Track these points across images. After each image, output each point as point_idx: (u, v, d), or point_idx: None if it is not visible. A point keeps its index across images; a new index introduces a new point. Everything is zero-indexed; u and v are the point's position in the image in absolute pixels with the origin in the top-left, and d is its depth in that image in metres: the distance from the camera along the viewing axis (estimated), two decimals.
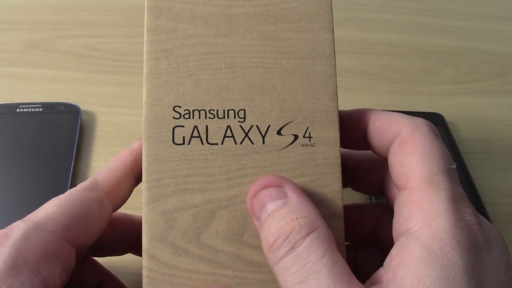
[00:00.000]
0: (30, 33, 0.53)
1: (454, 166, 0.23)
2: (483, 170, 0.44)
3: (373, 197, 0.40)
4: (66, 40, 0.52)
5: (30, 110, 0.43)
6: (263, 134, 0.25)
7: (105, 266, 0.30)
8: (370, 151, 0.28)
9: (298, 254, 0.21)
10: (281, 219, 0.22)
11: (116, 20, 0.55)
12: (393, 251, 0.21)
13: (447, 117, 0.47)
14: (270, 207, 0.23)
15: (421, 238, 0.20)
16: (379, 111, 0.27)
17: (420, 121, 0.24)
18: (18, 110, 0.43)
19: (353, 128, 0.27)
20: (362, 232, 0.30)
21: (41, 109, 0.44)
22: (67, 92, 0.47)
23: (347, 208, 0.26)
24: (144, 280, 0.23)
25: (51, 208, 0.23)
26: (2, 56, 0.50)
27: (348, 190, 0.30)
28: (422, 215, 0.21)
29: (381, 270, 0.21)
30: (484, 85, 0.52)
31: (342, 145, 0.26)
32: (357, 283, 0.20)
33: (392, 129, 0.25)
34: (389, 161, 0.25)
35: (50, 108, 0.44)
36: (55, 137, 0.42)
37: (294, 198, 0.23)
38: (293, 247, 0.21)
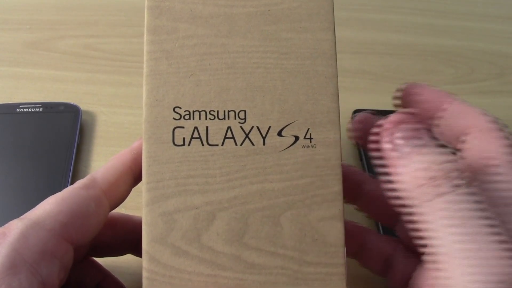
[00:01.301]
0: (30, 33, 0.52)
1: None
2: None
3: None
4: (66, 40, 0.52)
5: (30, 110, 0.43)
6: (264, 135, 0.25)
7: (105, 266, 0.30)
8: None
9: (470, 194, 0.21)
10: (444, 157, 0.22)
11: (116, 20, 0.55)
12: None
13: None
14: (418, 140, 0.23)
15: None
16: (456, 98, 0.27)
17: (496, 118, 0.26)
18: (18, 110, 0.43)
19: (426, 100, 0.28)
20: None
21: (41, 109, 0.43)
22: (67, 92, 0.47)
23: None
24: (144, 282, 0.23)
25: (48, 207, 0.23)
26: (2, 56, 0.50)
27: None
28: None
29: None
30: (484, 85, 0.52)
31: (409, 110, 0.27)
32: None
33: (469, 117, 0.26)
34: (467, 145, 0.25)
35: (50, 108, 0.44)
36: (55, 137, 0.42)
37: (433, 144, 0.23)
38: (466, 184, 0.21)
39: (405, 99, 0.29)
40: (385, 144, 0.24)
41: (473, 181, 0.21)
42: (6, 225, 0.23)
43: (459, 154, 0.26)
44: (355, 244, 0.30)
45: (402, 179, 0.22)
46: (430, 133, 0.23)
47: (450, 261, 0.20)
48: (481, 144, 0.25)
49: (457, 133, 0.26)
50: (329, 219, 0.24)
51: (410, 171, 0.22)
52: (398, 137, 0.23)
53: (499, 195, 0.22)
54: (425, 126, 0.23)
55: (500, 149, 0.24)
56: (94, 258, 0.30)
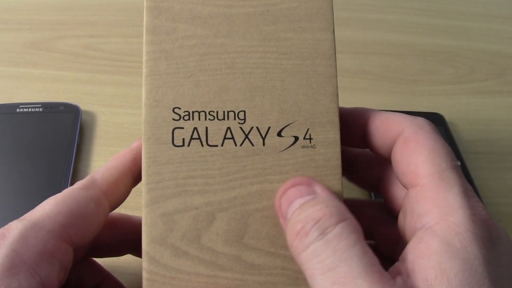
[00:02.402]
0: (30, 33, 0.52)
1: (459, 163, 0.23)
2: (483, 170, 0.44)
3: (372, 193, 0.40)
4: (66, 40, 0.52)
5: (30, 110, 0.43)
6: (263, 136, 0.25)
7: (105, 267, 0.30)
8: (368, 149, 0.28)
9: (328, 240, 0.20)
10: (309, 208, 0.22)
11: (116, 20, 0.55)
12: (410, 246, 0.21)
13: (447, 117, 0.47)
14: (298, 201, 0.23)
15: (439, 232, 0.20)
16: (378, 110, 0.27)
17: (421, 120, 0.25)
18: (18, 110, 0.43)
19: (351, 126, 0.27)
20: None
21: (41, 109, 0.43)
22: (67, 92, 0.47)
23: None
24: (144, 283, 0.23)
25: (48, 207, 0.23)
26: (2, 56, 0.50)
27: (349, 186, 0.30)
28: (438, 210, 0.21)
29: (398, 264, 0.21)
30: (484, 85, 0.52)
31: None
32: (387, 275, 0.20)
33: (393, 128, 0.25)
34: (393, 160, 0.25)
35: (50, 108, 0.44)
36: (55, 137, 0.42)
37: (323, 194, 0.23)
38: (323, 233, 0.21)
39: None
40: (278, 214, 0.24)
41: (342, 221, 0.21)
42: (6, 226, 0.23)
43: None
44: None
45: (287, 237, 0.22)
46: (324, 186, 0.23)
47: None
48: (406, 156, 0.24)
49: (387, 146, 0.25)
50: None
51: (289, 229, 0.22)
52: (284, 202, 0.23)
53: (420, 217, 0.22)
54: (317, 182, 0.24)
55: (424, 158, 0.23)
56: (94, 259, 0.30)
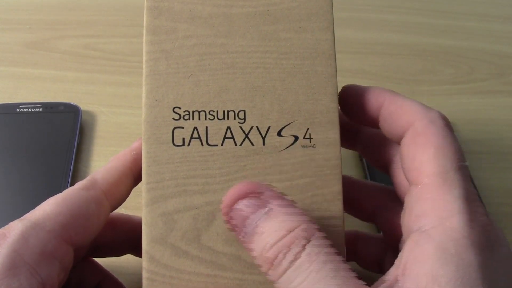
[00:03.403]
0: (30, 33, 0.52)
1: (467, 163, 0.22)
2: (483, 170, 0.44)
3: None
4: (66, 40, 0.52)
5: (30, 110, 0.43)
6: (263, 135, 0.25)
7: (105, 266, 0.30)
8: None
9: (299, 265, 0.20)
10: (274, 233, 0.21)
11: (116, 20, 0.55)
12: (405, 249, 0.21)
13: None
14: (254, 218, 0.21)
15: (435, 236, 0.20)
16: (395, 95, 0.26)
17: (435, 114, 0.24)
18: (18, 110, 0.43)
19: (367, 107, 0.26)
20: (360, 215, 0.31)
21: (41, 109, 0.43)
22: (67, 92, 0.47)
23: (348, 183, 0.26)
24: (144, 282, 0.23)
25: (49, 208, 0.23)
26: (2, 56, 0.50)
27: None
28: (436, 213, 0.21)
29: (393, 268, 0.21)
30: (484, 85, 0.52)
31: (352, 120, 0.27)
32: (364, 286, 0.20)
33: (405, 118, 0.24)
34: (401, 153, 0.24)
35: (50, 108, 0.44)
36: (55, 137, 0.42)
37: (276, 206, 0.21)
38: (294, 260, 0.20)
39: (346, 105, 0.27)
40: (230, 227, 0.22)
41: (309, 241, 0.20)
42: (6, 226, 0.23)
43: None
44: (348, 253, 0.29)
45: (257, 261, 0.22)
46: (274, 194, 0.22)
47: None
48: (412, 151, 0.23)
49: (398, 134, 0.25)
50: (329, 218, 0.24)
51: (257, 252, 0.21)
52: (236, 219, 0.22)
53: (418, 218, 0.21)
54: (265, 188, 0.22)
55: (430, 156, 0.22)
56: (94, 258, 0.30)
